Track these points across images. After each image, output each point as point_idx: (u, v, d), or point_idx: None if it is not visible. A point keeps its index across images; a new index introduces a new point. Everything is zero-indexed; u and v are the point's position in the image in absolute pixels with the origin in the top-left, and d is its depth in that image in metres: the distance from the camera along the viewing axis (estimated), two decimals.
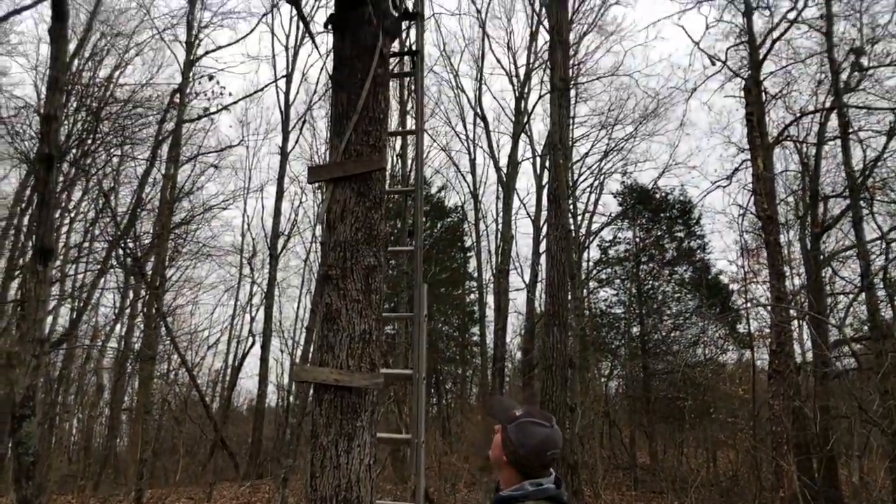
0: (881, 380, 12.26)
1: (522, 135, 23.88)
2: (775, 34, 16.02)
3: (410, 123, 17.15)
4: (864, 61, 15.76)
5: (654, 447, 21.31)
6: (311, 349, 3.54)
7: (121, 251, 17.45)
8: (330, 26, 4.30)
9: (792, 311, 10.05)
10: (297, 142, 24.15)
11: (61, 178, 15.03)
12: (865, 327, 15.71)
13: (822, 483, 14.53)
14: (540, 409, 2.76)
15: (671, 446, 21.65)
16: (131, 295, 21.39)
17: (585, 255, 26.19)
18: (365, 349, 3.55)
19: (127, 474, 18.66)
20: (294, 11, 20.31)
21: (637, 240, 24.21)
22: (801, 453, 15.37)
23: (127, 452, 22.04)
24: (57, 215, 16.27)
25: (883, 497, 11.03)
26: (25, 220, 16.63)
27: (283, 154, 21.68)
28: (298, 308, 28.27)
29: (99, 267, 17.52)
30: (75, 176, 17.23)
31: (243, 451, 22.28)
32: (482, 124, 24.61)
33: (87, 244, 19.21)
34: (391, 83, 4.52)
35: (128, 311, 21.35)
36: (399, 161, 18.41)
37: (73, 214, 19.48)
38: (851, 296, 14.70)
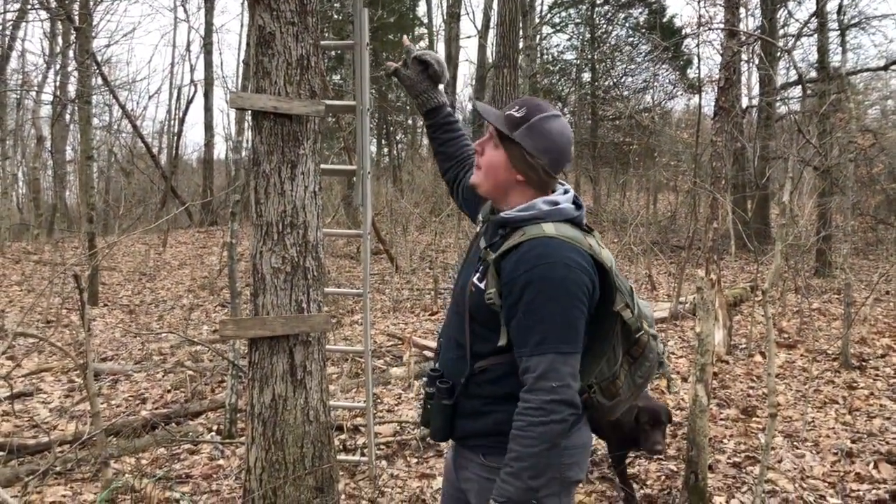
0: (820, 121, 12.54)
1: None
2: None
3: None
4: None
5: (597, 191, 21.99)
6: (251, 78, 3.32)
7: None
8: None
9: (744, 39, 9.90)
10: None
11: None
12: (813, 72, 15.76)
13: (754, 218, 15.43)
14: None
15: (615, 190, 22.39)
16: (60, 42, 20.06)
17: None
18: (303, 76, 3.37)
19: (79, 223, 18.76)
20: None
21: None
22: (738, 192, 16.13)
23: (77, 204, 22.01)
24: None
25: (807, 226, 11.78)
26: None
27: None
28: (239, 55, 27.05)
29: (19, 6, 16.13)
30: None
31: (195, 201, 22.43)
32: None
33: None
34: None
35: (59, 58, 20.12)
36: None
37: None
38: (802, 30, 14.52)
